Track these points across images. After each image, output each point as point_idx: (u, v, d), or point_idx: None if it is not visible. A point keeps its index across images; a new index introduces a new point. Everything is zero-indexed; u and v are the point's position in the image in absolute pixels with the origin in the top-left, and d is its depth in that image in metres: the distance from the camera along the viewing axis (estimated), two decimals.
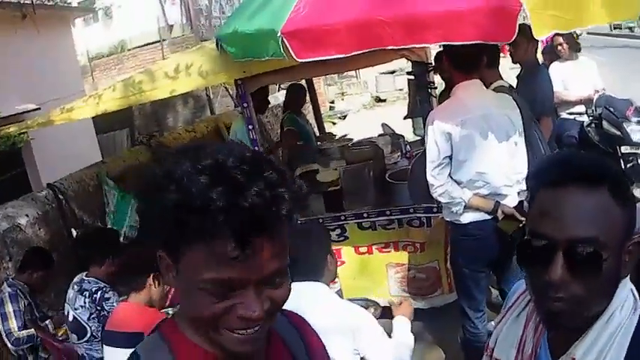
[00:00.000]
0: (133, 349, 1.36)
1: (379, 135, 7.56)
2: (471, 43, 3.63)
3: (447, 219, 4.33)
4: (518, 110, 4.26)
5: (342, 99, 20.23)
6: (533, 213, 1.47)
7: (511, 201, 4.16)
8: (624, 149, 6.91)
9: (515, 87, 5.28)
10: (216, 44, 4.80)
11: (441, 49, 4.39)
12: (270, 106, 7.54)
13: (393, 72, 20.06)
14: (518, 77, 5.92)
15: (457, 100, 4.14)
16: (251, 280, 1.19)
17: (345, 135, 9.14)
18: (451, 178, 4.10)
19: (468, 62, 4.07)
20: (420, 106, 5.41)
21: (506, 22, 3.44)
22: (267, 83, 5.48)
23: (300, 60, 3.82)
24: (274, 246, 1.20)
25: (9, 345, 4.87)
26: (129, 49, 21.83)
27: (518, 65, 6.02)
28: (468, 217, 4.16)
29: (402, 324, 3.32)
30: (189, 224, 1.14)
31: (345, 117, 17.94)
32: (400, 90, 19.72)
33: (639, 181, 6.84)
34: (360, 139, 7.38)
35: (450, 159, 4.07)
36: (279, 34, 3.69)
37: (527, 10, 3.36)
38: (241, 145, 1.28)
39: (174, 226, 1.15)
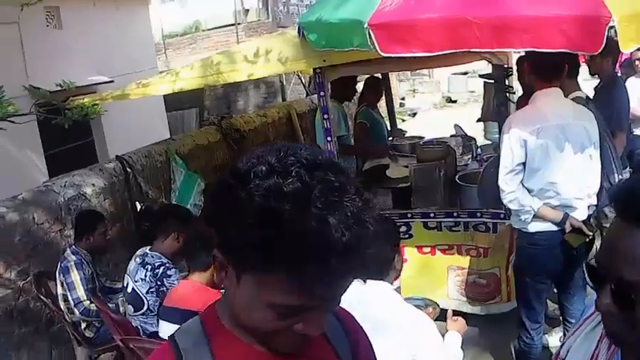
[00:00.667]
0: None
1: (451, 136, 7.55)
2: (556, 51, 3.62)
3: (515, 226, 4.32)
4: (596, 123, 4.21)
5: (414, 96, 20.21)
6: (604, 238, 1.41)
7: (580, 214, 4.13)
8: None
9: (592, 99, 5.22)
10: (298, 31, 4.83)
11: (523, 54, 4.37)
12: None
13: (465, 73, 19.95)
14: (595, 89, 5.84)
15: (535, 108, 4.12)
16: (323, 307, 1.22)
17: (416, 134, 9.11)
18: (522, 185, 4.08)
19: (551, 70, 4.05)
20: (497, 110, 5.37)
21: (594, 33, 3.41)
22: (345, 74, 5.50)
23: (384, 54, 3.82)
24: (349, 274, 1.21)
25: (76, 312, 4.94)
26: (203, 30, 22.05)
27: (592, 77, 5.95)
28: (535, 227, 4.13)
29: (454, 339, 3.32)
30: (274, 249, 1.11)
31: (415, 115, 17.90)
32: (472, 92, 19.60)
33: None
34: (432, 138, 7.36)
35: (524, 166, 4.06)
36: (365, 26, 3.70)
37: (616, 22, 3.32)
38: (328, 163, 1.21)
39: (255, 247, 1.12)
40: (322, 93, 5.26)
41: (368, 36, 3.74)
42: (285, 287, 1.14)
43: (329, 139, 5.29)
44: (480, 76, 7.71)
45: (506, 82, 5.08)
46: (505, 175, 4.07)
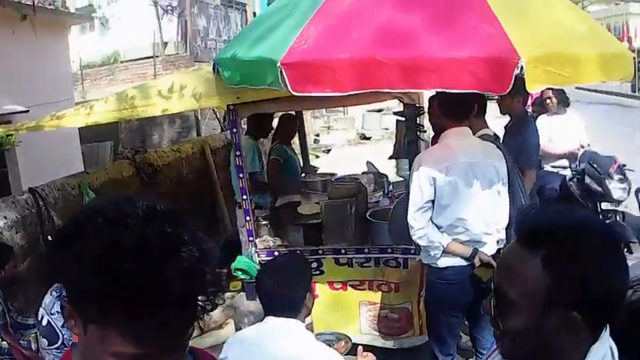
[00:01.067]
0: None
1: (363, 173, 7.58)
2: (465, 91, 3.70)
3: (425, 262, 4.36)
4: (504, 160, 4.34)
5: (328, 133, 20.34)
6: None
7: (489, 249, 4.22)
8: (604, 205, 7.03)
9: (501, 136, 5.36)
10: (213, 67, 4.81)
11: (434, 93, 4.46)
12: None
13: (380, 110, 20.24)
14: (506, 127, 5.99)
15: (445, 146, 4.22)
16: (166, 355, 1.21)
17: (330, 170, 9.14)
18: (432, 222, 4.13)
19: (460, 110, 4.17)
20: (407, 147, 5.45)
21: (502, 74, 3.50)
22: (259, 111, 5.49)
23: (295, 93, 3.80)
24: (187, 323, 1.22)
25: None
26: (122, 62, 21.82)
27: (503, 115, 6.11)
28: (445, 262, 4.19)
29: None
30: (110, 301, 1.12)
31: (329, 151, 17.99)
32: (386, 129, 19.89)
33: None
34: (344, 175, 7.40)
35: (433, 203, 4.11)
36: (278, 64, 3.67)
37: (524, 64, 3.41)
38: (166, 214, 1.23)
39: (93, 298, 1.13)
40: (235, 130, 5.24)
41: (280, 75, 3.71)
42: (125, 338, 1.15)
43: (241, 175, 5.27)
44: (395, 113, 7.84)
45: (417, 121, 5.16)
46: (414, 212, 4.11)
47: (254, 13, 25.48)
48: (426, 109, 5.19)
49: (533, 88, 3.61)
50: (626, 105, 19.82)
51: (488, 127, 4.93)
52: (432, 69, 3.56)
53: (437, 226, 4.14)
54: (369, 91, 3.82)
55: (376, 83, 3.64)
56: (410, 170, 4.38)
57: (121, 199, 1.22)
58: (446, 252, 4.15)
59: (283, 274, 3.06)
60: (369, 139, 19.75)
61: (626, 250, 6.61)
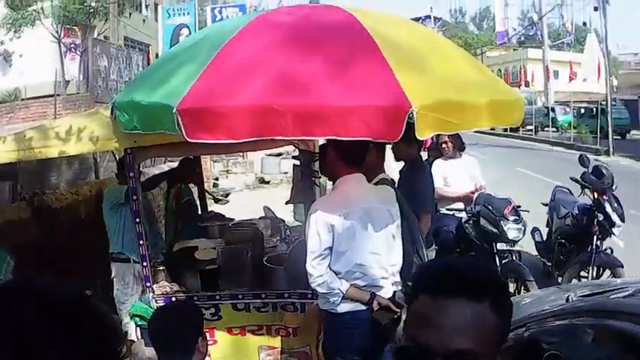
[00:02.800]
0: None
1: (260, 217, 7.46)
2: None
3: (324, 308, 4.27)
4: (398, 204, 4.35)
5: (227, 177, 20.11)
6: (413, 318, 1.46)
7: (386, 292, 4.20)
8: (500, 246, 7.11)
9: (397, 181, 5.36)
10: (111, 111, 4.60)
11: (324, 142, 4.42)
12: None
13: (279, 155, 20.22)
14: (400, 172, 5.99)
15: (341, 193, 4.20)
16: None
17: (229, 215, 8.97)
18: (330, 268, 4.06)
19: (355, 157, 4.15)
20: (303, 192, 5.39)
21: (394, 122, 3.47)
22: (156, 156, 5.33)
23: (190, 140, 3.67)
24: None
25: None
26: (22, 99, 21.10)
27: (397, 162, 6.11)
28: (344, 307, 4.13)
29: None
30: None
31: (228, 195, 17.73)
32: (285, 173, 19.88)
33: (512, 277, 7.02)
34: (241, 220, 7.26)
35: (331, 250, 4.04)
36: (174, 111, 3.53)
37: (415, 112, 3.39)
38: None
39: None
40: (132, 174, 5.02)
41: (176, 121, 3.56)
42: None
43: (137, 220, 5.04)
44: (293, 157, 7.80)
45: (313, 167, 5.10)
46: (313, 260, 4.03)
47: (157, 55, 25.28)
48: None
49: (424, 135, 3.60)
50: (522, 147, 20.53)
51: (384, 172, 4.92)
52: (324, 117, 3.50)
53: (335, 272, 4.07)
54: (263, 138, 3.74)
55: (270, 131, 3.56)
56: (306, 216, 4.31)
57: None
58: (345, 297, 4.08)
59: (173, 319, 3.02)
60: (268, 183, 19.66)
61: (523, 287, 6.72)
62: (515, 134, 34.78)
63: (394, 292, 4.24)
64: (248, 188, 18.82)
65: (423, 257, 4.78)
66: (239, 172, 20.24)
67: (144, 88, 4.23)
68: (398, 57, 3.76)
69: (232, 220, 7.36)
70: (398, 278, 4.33)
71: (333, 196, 4.25)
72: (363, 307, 4.12)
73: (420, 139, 3.89)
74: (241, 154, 20.64)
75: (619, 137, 29.08)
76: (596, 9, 29.73)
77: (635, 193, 8.35)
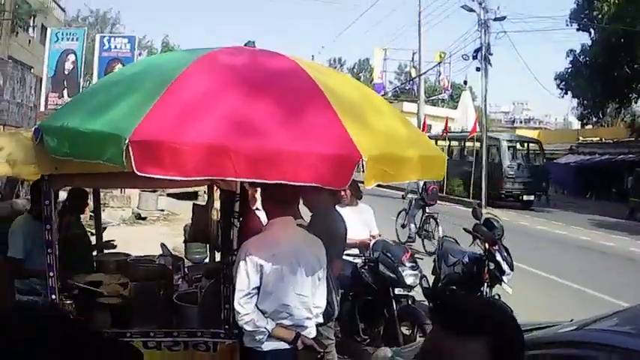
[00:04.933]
0: None
1: (160, 255, 7.36)
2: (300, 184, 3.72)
3: (248, 345, 4.34)
4: (324, 250, 4.53)
5: (104, 210, 19.50)
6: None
7: (310, 332, 4.38)
8: (397, 291, 7.37)
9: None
10: (35, 133, 4.46)
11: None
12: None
13: (155, 191, 19.91)
14: (312, 217, 6.08)
15: (271, 234, 4.36)
16: None
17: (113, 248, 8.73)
18: (257, 307, 4.18)
19: (289, 200, 4.29)
20: (222, 233, 5.41)
21: (344, 170, 3.60)
22: (75, 185, 5.18)
23: (140, 173, 3.49)
24: None
25: None
26: None
27: (307, 207, 6.23)
28: (268, 346, 4.25)
29: None
30: None
31: (104, 229, 17.22)
32: (161, 210, 19.64)
33: (407, 320, 7.34)
34: (139, 256, 7.17)
35: (259, 290, 4.17)
36: (126, 141, 3.41)
37: (364, 162, 3.53)
38: None
39: None
40: (47, 201, 4.87)
41: (124, 152, 3.44)
42: None
43: (49, 251, 4.87)
44: (169, 194, 7.74)
45: (234, 208, 5.13)
46: (241, 299, 4.16)
47: (40, 80, 24.45)
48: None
49: (369, 185, 3.73)
50: (391, 196, 21.20)
51: (302, 218, 5.03)
52: (277, 161, 3.55)
53: (262, 311, 4.19)
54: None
55: (222, 171, 3.54)
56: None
57: None
58: (270, 336, 4.21)
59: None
60: (144, 219, 19.27)
61: (419, 331, 6.95)
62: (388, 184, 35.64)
63: (318, 332, 4.45)
64: (125, 223, 18.35)
65: (332, 302, 4.92)
66: (116, 206, 19.70)
67: (79, 114, 4.09)
68: (343, 107, 3.90)
69: (129, 255, 7.23)
70: (321, 319, 4.55)
71: (262, 237, 4.36)
72: (288, 346, 4.26)
73: (367, 187, 4.02)
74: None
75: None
76: (478, 69, 31.30)
77: (511, 242, 8.94)
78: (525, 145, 33.61)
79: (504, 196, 30.54)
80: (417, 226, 16.18)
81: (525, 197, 30.39)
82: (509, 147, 31.63)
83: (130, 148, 3.42)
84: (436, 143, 34.81)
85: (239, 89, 3.83)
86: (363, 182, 3.71)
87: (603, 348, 2.83)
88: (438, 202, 17.35)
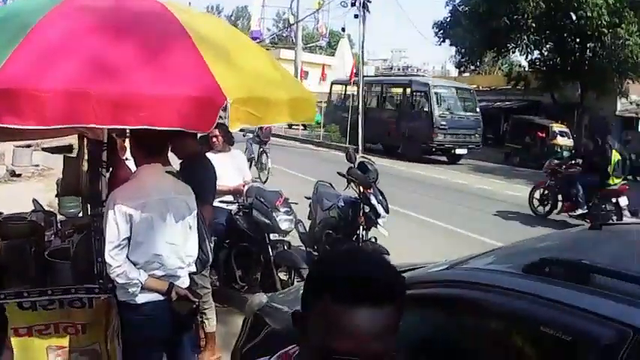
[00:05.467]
0: None
1: (32, 211, 7.11)
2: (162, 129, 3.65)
3: (122, 299, 4.30)
4: (194, 196, 4.50)
5: None
6: (324, 326, 1.48)
7: (183, 282, 4.37)
8: (273, 237, 7.42)
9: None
10: None
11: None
12: None
13: (29, 146, 19.10)
14: (181, 164, 5.96)
15: (139, 182, 4.28)
16: None
17: None
18: (128, 259, 4.12)
19: (157, 147, 4.23)
20: (90, 184, 5.27)
21: (207, 114, 3.54)
22: None
23: None
24: None
25: None
26: None
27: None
28: (142, 298, 4.20)
29: None
30: None
31: None
32: (36, 166, 18.90)
33: (283, 265, 7.44)
34: (11, 214, 6.89)
35: (129, 240, 4.11)
36: None
37: (229, 104, 3.50)
38: None
39: None
40: None
41: None
42: None
43: None
44: (44, 149, 7.49)
45: (102, 157, 5.00)
46: (111, 250, 4.07)
47: None
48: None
49: (234, 127, 3.72)
50: (272, 144, 21.37)
51: (170, 164, 4.96)
52: (139, 106, 3.45)
53: (133, 262, 4.14)
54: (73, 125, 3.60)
55: (83, 118, 3.40)
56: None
57: None
58: (143, 288, 4.16)
59: None
60: (19, 175, 18.48)
61: (296, 275, 7.05)
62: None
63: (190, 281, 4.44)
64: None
65: (206, 250, 4.88)
66: None
67: None
68: (211, 50, 3.84)
69: (1, 213, 6.95)
70: (194, 268, 4.54)
71: (131, 186, 4.26)
72: (162, 298, 4.21)
73: (232, 130, 4.00)
74: None
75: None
76: (356, 16, 31.36)
77: (386, 186, 9.18)
78: (456, 91, 30.42)
79: (434, 149, 28.28)
80: (255, 159, 19.59)
81: (458, 151, 28.15)
82: (439, 94, 28.71)
83: None
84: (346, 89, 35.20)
85: (101, 34, 3.67)
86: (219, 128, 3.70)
87: (473, 286, 2.95)
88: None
